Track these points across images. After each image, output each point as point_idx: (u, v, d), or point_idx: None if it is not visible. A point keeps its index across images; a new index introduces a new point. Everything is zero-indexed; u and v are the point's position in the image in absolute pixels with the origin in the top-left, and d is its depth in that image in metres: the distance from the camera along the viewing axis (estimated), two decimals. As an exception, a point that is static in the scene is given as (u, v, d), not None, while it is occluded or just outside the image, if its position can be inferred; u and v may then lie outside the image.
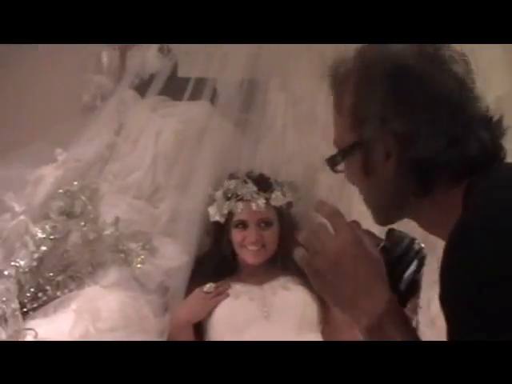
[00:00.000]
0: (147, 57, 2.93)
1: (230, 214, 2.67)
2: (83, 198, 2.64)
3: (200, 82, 2.90)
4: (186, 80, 2.91)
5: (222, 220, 2.67)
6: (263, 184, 2.71)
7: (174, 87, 2.92)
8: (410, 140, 1.18)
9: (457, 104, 1.19)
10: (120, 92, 2.89)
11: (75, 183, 2.66)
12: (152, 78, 2.94)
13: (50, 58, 2.82)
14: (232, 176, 2.74)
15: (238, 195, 2.67)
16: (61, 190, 2.64)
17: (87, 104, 2.84)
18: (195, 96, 2.89)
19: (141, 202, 2.73)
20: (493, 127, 1.21)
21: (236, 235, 2.67)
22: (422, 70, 1.19)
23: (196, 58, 2.93)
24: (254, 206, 2.65)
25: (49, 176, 2.65)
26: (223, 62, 2.92)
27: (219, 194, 2.69)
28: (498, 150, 1.23)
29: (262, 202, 2.66)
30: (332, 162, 1.29)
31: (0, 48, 2.40)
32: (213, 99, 2.91)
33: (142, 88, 2.92)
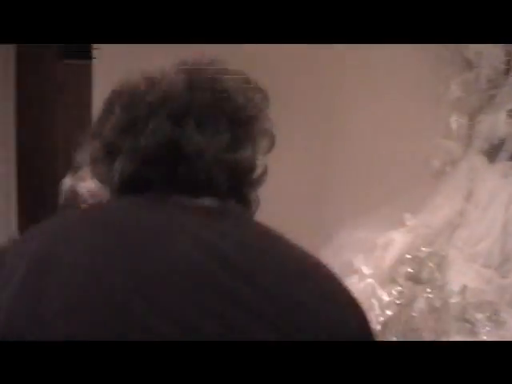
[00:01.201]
0: (497, 121, 2.86)
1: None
2: (431, 264, 2.63)
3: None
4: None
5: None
6: None
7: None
8: None
9: None
10: (469, 157, 2.85)
11: (423, 249, 2.66)
12: (502, 143, 2.86)
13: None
14: None
15: None
16: (409, 256, 2.65)
17: (437, 169, 2.84)
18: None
19: (489, 271, 2.65)
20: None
21: None
22: None
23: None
24: None
25: (397, 241, 2.69)
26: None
27: None
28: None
29: None
30: None
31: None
32: None
33: (491, 153, 2.85)
